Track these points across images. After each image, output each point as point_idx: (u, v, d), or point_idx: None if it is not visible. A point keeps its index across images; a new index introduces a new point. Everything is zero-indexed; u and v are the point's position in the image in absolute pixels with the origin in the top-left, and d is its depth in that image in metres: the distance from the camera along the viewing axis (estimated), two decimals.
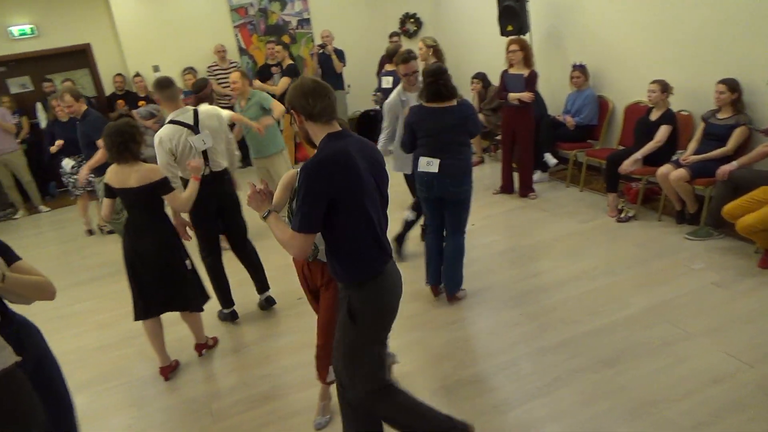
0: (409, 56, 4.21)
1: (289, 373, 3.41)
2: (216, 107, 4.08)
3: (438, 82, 3.63)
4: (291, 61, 7.83)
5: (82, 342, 4.15)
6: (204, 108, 3.84)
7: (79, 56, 8.43)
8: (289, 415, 3.04)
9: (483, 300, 3.97)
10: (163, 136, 3.60)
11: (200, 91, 5.04)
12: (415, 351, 3.49)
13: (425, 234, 4.15)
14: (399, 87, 4.43)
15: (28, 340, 2.15)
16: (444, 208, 3.81)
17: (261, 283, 4.19)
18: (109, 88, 8.26)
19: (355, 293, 2.25)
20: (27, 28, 8.04)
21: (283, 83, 7.41)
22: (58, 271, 5.44)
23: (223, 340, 3.88)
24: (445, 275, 3.94)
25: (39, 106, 7.75)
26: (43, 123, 7.65)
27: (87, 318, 4.48)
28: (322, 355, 2.79)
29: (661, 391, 2.85)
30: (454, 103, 3.67)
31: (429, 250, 3.99)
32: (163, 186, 3.26)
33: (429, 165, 3.66)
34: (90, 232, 6.47)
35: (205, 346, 3.75)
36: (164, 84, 3.67)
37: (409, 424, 2.36)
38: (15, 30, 7.99)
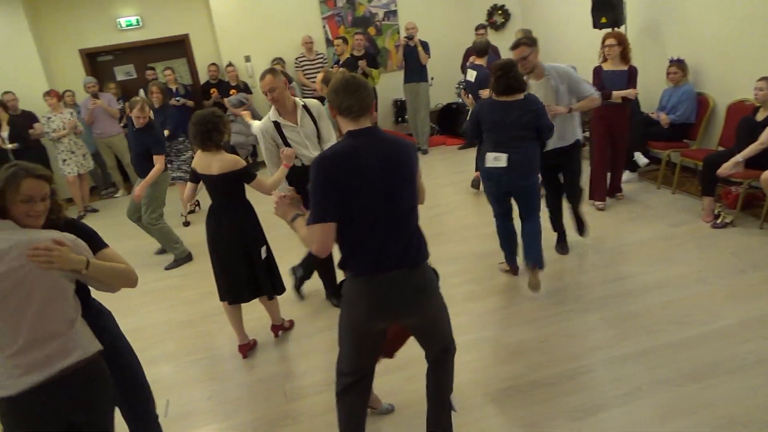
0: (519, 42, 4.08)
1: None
2: (318, 102, 4.03)
3: (509, 75, 3.61)
4: (348, 56, 7.92)
5: (169, 316, 4.42)
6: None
7: (178, 46, 8.92)
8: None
9: (562, 300, 3.85)
10: (262, 126, 3.78)
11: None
12: (488, 347, 3.45)
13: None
14: None
15: (105, 325, 2.29)
16: (514, 198, 3.90)
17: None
18: (203, 77, 8.68)
19: (346, 282, 2.30)
20: (133, 19, 8.60)
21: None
22: (151, 246, 5.81)
23: (300, 325, 4.00)
24: (528, 256, 3.92)
25: (141, 92, 8.27)
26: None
27: (175, 294, 4.76)
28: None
29: (753, 411, 2.65)
30: (521, 96, 3.66)
31: (501, 234, 4.09)
32: (245, 175, 3.39)
33: (496, 160, 3.67)
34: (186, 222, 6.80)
35: (281, 328, 3.89)
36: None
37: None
38: (123, 21, 8.57)
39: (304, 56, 8.43)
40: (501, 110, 3.68)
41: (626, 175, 5.82)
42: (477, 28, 7.58)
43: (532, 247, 3.89)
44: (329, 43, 8.82)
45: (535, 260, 3.89)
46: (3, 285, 1.83)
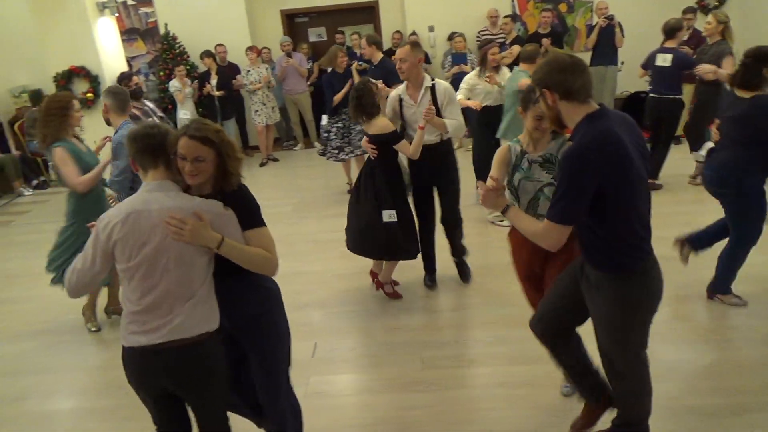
0: None
1: (503, 344, 3.42)
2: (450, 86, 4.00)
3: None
4: (516, 35, 7.54)
5: (328, 266, 4.73)
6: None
7: (368, 12, 9.27)
8: (491, 385, 3.08)
9: (734, 326, 3.42)
10: (392, 95, 3.96)
11: None
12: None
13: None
14: None
15: (246, 306, 2.21)
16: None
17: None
18: (386, 44, 8.94)
19: (612, 284, 2.12)
20: None
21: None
22: (320, 200, 6.24)
23: (447, 298, 4.05)
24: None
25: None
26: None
27: (335, 247, 5.07)
28: None
29: None
30: (753, 94, 3.22)
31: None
32: (393, 138, 3.69)
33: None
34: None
35: (381, 285, 4.12)
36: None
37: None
38: None
39: (486, 30, 8.27)
40: (732, 105, 3.34)
41: None
42: (684, 11, 6.81)
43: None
44: (515, 18, 8.54)
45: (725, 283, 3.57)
46: (138, 243, 1.93)
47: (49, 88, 7.55)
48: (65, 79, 7.38)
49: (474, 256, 4.36)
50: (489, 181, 2.31)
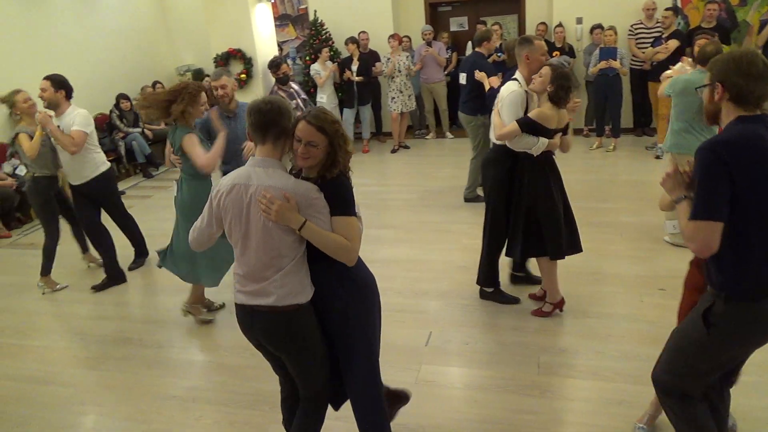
0: None
1: (629, 360, 3.21)
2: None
3: None
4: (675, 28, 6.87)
5: (450, 257, 4.73)
6: None
7: (513, 2, 9.01)
8: (610, 401, 2.90)
9: None
10: (518, 91, 3.73)
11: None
12: None
13: None
14: None
15: (341, 292, 2.24)
16: None
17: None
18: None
19: (722, 303, 1.95)
20: None
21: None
22: (447, 191, 6.25)
23: (568, 304, 3.88)
24: None
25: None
26: None
27: (458, 238, 5.06)
28: None
29: None
30: None
31: None
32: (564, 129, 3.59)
33: None
34: None
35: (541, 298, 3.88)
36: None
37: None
38: None
39: (641, 23, 7.68)
40: None
41: None
42: None
43: None
44: (677, 11, 7.83)
45: None
46: (237, 213, 2.12)
47: (210, 68, 8.27)
48: (223, 60, 8.02)
49: (607, 264, 4.13)
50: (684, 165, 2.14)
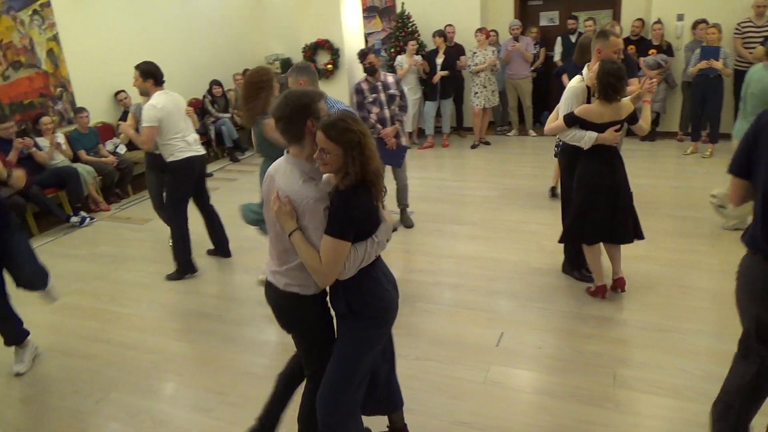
0: None
1: (716, 381, 3.00)
2: None
3: None
4: None
5: (524, 258, 4.62)
6: None
7: None
8: (694, 423, 2.73)
9: None
10: (577, 86, 3.81)
11: None
12: None
13: None
14: None
15: (339, 295, 2.25)
16: None
17: None
18: (626, 32, 8.24)
19: None
20: None
21: None
22: (527, 190, 6.11)
23: (651, 314, 3.69)
24: None
25: (558, 40, 8.41)
26: (557, 56, 8.34)
27: (535, 239, 4.93)
28: None
29: None
30: None
31: None
32: (630, 119, 3.68)
33: None
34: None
35: (622, 283, 3.88)
36: None
37: None
38: None
39: (750, 21, 7.13)
40: None
41: None
42: None
43: None
44: None
45: None
46: (264, 199, 2.29)
47: (298, 58, 8.49)
48: (311, 50, 8.20)
49: (697, 277, 3.90)
50: None
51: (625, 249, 3.89)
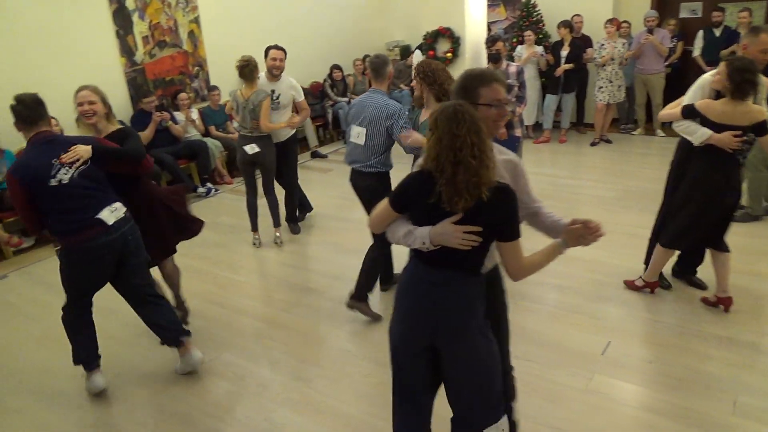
0: None
1: None
2: None
3: None
4: None
5: (640, 265, 4.29)
6: None
7: None
8: None
9: None
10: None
11: None
12: None
13: None
14: None
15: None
16: None
17: None
18: None
19: None
20: None
21: None
22: (649, 193, 5.71)
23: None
24: None
25: (700, 34, 7.71)
26: (696, 51, 7.67)
27: (638, 242, 4.59)
28: None
29: None
30: None
31: None
32: (757, 129, 3.30)
33: None
34: None
35: (728, 301, 3.62)
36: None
37: None
38: None
39: None
40: None
41: None
42: None
43: None
44: None
45: None
46: None
47: (417, 45, 8.51)
48: (432, 38, 8.18)
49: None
50: None
51: (750, 265, 3.56)
